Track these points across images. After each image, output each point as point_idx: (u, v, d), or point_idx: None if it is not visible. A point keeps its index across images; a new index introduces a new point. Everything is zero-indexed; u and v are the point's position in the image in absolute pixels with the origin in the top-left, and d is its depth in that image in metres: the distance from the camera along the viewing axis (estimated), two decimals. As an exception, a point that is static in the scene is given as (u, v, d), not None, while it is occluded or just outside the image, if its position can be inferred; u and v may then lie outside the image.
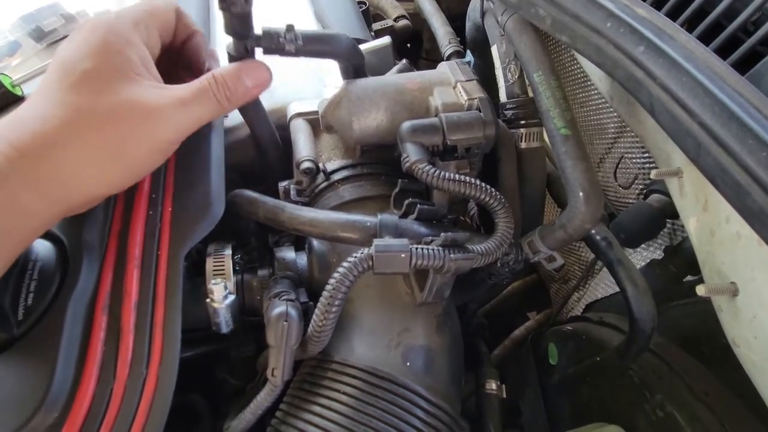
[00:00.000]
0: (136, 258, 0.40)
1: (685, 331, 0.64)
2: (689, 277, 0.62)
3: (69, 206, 0.36)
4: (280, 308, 0.34)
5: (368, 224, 0.38)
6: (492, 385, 0.48)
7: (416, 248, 0.34)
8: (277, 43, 0.38)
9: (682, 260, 0.59)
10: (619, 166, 0.84)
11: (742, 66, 0.37)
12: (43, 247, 0.41)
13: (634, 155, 0.80)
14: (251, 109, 0.47)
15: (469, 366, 0.60)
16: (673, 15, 0.42)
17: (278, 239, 0.49)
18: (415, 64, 1.13)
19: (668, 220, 0.62)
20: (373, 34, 0.81)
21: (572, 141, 0.40)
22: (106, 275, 0.40)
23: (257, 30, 0.38)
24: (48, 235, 0.41)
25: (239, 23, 0.36)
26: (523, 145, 0.53)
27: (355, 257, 0.33)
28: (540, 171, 0.54)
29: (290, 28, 0.38)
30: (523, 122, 0.53)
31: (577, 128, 0.41)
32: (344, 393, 0.34)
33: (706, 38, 0.39)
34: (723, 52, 0.38)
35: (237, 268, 0.52)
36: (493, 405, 0.47)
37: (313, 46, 0.39)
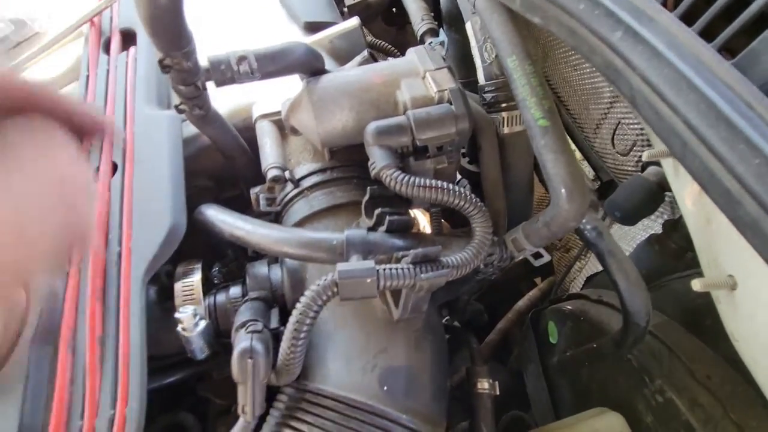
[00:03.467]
0: (98, 290, 0.39)
1: (688, 304, 0.62)
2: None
3: None
4: (243, 343, 0.32)
5: (334, 243, 0.35)
6: (484, 385, 0.47)
7: (384, 270, 0.31)
8: (230, 74, 0.35)
9: (683, 236, 0.56)
10: (617, 132, 0.79)
11: (732, 48, 0.32)
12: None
13: (631, 121, 0.76)
14: (207, 121, 0.44)
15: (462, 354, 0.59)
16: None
17: (254, 250, 0.47)
18: (403, 30, 1.06)
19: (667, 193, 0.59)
20: (345, 10, 0.75)
21: (552, 132, 0.36)
22: (69, 311, 0.38)
23: (203, 61, 0.36)
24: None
25: (188, 75, 0.34)
26: (505, 130, 0.49)
27: (318, 286, 0.31)
28: (525, 156, 0.51)
29: (241, 58, 0.35)
30: (504, 105, 0.49)
31: (557, 117, 0.37)
32: (317, 426, 0.32)
33: (691, 15, 0.34)
34: (711, 29, 0.34)
35: (215, 281, 0.50)
36: (485, 405, 0.45)
37: (268, 67, 0.36)
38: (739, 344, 0.37)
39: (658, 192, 0.57)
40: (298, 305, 0.31)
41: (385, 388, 0.34)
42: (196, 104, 0.41)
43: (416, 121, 0.38)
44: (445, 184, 0.35)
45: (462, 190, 0.35)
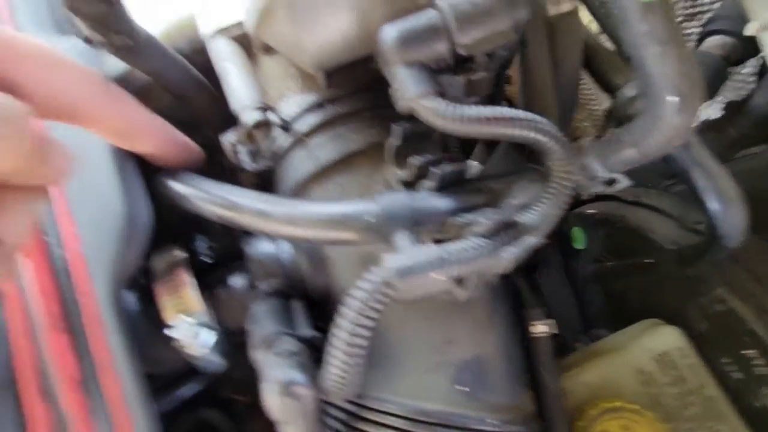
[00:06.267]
0: (55, 317, 0.29)
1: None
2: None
3: None
4: (279, 376, 0.24)
5: (366, 218, 0.25)
6: (539, 328, 0.41)
7: (451, 254, 0.22)
8: None
9: (749, 122, 0.47)
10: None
11: None
12: None
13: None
14: (140, 52, 0.30)
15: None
16: None
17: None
18: None
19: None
20: None
21: (659, 12, 0.25)
22: (23, 348, 0.29)
23: None
24: None
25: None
26: (551, 10, 0.36)
27: (364, 291, 0.22)
28: (576, 47, 0.39)
29: None
30: (550, -25, 0.35)
31: (667, -14, 0.25)
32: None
33: None
34: None
35: (203, 258, 0.40)
36: (544, 350, 0.40)
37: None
38: None
39: (724, 69, 0.47)
40: (342, 321, 0.23)
41: (460, 386, 0.27)
42: (112, 28, 0.27)
43: (457, 16, 0.26)
44: (515, 112, 0.25)
45: (541, 119, 0.25)
